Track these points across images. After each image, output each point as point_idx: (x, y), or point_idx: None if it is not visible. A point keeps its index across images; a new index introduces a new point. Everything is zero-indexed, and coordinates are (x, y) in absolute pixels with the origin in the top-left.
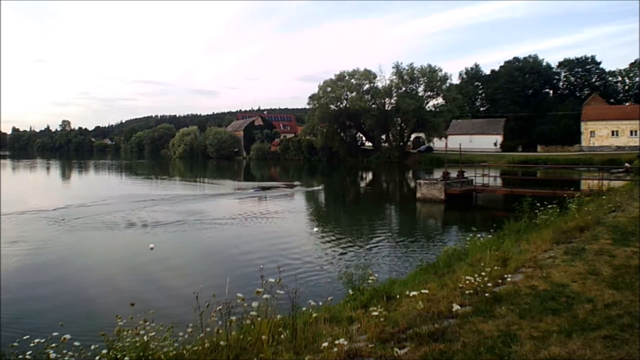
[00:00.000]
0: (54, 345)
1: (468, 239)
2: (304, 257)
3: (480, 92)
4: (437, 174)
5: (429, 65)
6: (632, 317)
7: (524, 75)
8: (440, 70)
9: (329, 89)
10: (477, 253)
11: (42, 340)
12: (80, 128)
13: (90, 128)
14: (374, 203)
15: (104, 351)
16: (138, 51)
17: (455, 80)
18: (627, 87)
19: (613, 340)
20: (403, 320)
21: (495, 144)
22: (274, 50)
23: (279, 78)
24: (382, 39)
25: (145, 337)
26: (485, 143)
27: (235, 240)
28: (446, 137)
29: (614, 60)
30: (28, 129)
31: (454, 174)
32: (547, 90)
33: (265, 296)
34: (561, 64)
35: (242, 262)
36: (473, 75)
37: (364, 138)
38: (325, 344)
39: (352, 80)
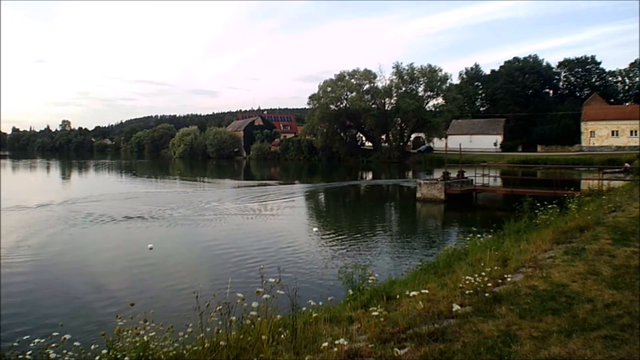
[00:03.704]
0: (54, 345)
1: (468, 239)
2: (304, 257)
3: (480, 92)
4: (437, 174)
5: (429, 65)
6: (632, 317)
7: (524, 75)
8: (440, 70)
9: (329, 89)
10: (477, 253)
11: (42, 340)
12: (80, 128)
13: (90, 128)
14: (374, 203)
15: (104, 351)
16: (138, 51)
17: (455, 80)
18: (627, 87)
19: (613, 340)
20: (403, 320)
21: (495, 144)
22: (274, 50)
23: (279, 78)
24: (382, 39)
25: (145, 337)
26: (485, 143)
27: (235, 240)
28: (446, 137)
29: (614, 60)
30: (28, 129)
31: (454, 174)
32: (547, 90)
33: (265, 296)
34: (561, 64)
35: (242, 262)
36: (473, 75)
37: (364, 138)
38: (325, 344)
39: (352, 80)
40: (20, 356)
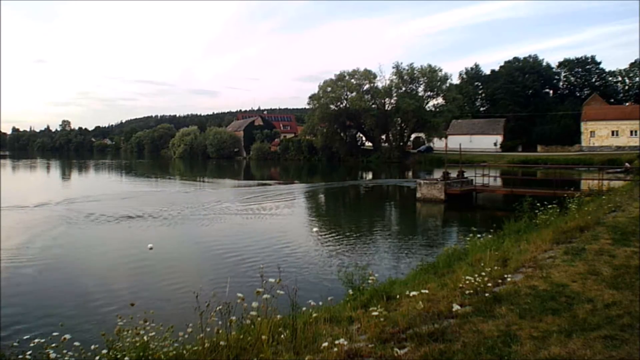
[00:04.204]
0: (54, 345)
1: (468, 239)
2: (304, 257)
3: (480, 92)
4: (437, 174)
5: (429, 65)
6: (632, 317)
7: (524, 75)
8: (440, 70)
9: (329, 89)
10: (477, 253)
11: (42, 340)
12: (80, 128)
13: (90, 128)
14: (374, 203)
15: (104, 351)
16: (138, 51)
17: (455, 80)
18: (627, 87)
19: (613, 340)
20: (403, 320)
21: (495, 144)
22: (274, 50)
23: (279, 78)
24: (382, 39)
25: (145, 337)
26: (485, 143)
27: (235, 240)
28: (446, 137)
29: (614, 60)
30: (28, 129)
31: (454, 174)
32: (547, 90)
33: (265, 296)
34: (561, 64)
35: (242, 261)
36: (473, 75)
37: (364, 138)
38: (325, 344)
39: (352, 80)
40: (20, 356)
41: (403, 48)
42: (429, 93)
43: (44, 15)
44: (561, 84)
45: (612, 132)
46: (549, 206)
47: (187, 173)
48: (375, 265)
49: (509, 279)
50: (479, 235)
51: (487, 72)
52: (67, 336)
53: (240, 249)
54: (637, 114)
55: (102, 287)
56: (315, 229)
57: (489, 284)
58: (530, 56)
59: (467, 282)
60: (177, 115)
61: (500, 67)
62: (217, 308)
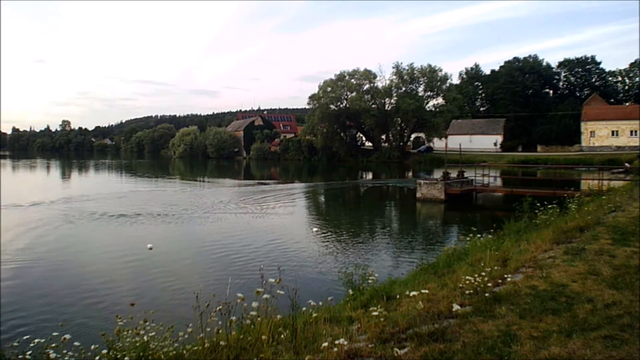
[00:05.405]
0: (54, 345)
1: (468, 239)
2: (304, 257)
3: (480, 92)
4: (437, 174)
5: (429, 65)
6: (632, 317)
7: (524, 75)
8: (440, 70)
9: (329, 89)
10: (477, 253)
11: (42, 340)
12: (80, 128)
13: (90, 128)
14: (374, 203)
15: (104, 351)
16: (138, 51)
17: (455, 80)
18: (627, 87)
19: (613, 340)
20: (403, 320)
21: (495, 144)
22: (274, 50)
23: (279, 78)
24: (382, 39)
25: (145, 337)
26: (485, 143)
27: (235, 239)
28: (446, 137)
29: (614, 60)
30: (28, 129)
31: (454, 174)
32: (547, 90)
33: (265, 296)
34: (561, 64)
35: (242, 261)
36: (473, 75)
37: (364, 138)
38: (325, 344)
39: (352, 80)
40: (20, 356)
41: (403, 48)
42: (429, 93)
43: (44, 15)
44: (561, 84)
45: (612, 132)
46: (549, 206)
47: (187, 173)
48: (375, 265)
49: (509, 279)
50: (479, 235)
51: (487, 72)
52: (67, 336)
53: (241, 249)
54: (637, 114)
55: (102, 287)
56: (315, 229)
57: (489, 284)
58: (530, 56)
59: (467, 282)
60: (177, 115)
61: (500, 67)
62: (217, 308)
